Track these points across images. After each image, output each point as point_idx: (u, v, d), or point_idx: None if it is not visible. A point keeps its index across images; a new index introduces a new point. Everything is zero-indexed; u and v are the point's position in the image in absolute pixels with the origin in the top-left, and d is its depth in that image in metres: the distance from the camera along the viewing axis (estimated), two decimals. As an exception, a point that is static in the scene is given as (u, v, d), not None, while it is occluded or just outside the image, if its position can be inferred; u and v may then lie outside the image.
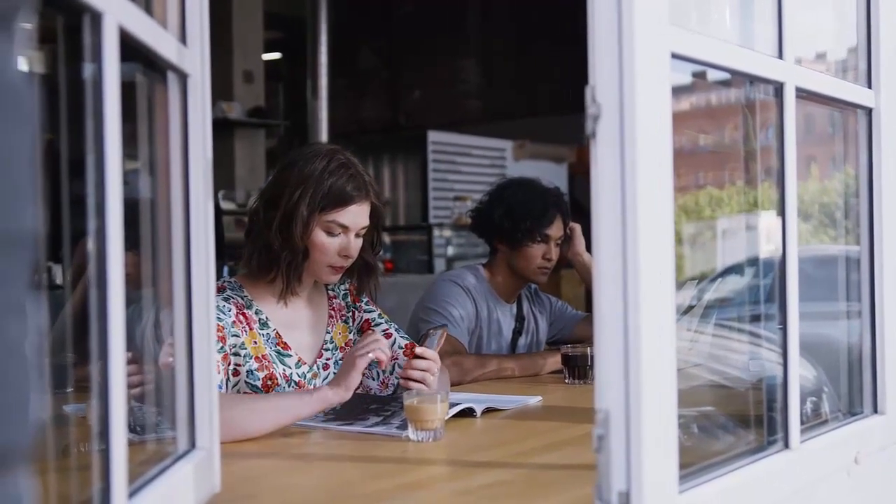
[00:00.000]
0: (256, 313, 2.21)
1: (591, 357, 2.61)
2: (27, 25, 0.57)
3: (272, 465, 1.74)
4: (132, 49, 1.11)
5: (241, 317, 2.16)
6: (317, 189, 2.14)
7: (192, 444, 1.36)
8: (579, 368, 2.61)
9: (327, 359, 2.31)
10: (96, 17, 0.99)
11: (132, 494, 1.09)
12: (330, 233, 2.18)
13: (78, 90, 1.02)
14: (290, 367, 2.21)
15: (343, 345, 2.35)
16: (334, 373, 2.28)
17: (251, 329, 2.17)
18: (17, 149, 0.52)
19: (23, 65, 0.55)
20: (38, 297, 0.58)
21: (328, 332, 2.33)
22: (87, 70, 1.01)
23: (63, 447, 1.24)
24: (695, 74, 1.44)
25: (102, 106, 0.99)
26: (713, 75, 1.53)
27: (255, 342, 2.17)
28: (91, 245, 1.01)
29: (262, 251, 2.18)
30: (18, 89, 0.53)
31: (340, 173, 2.17)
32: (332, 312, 2.36)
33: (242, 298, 2.20)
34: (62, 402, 1.48)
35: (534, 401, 2.31)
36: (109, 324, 1.00)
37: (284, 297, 2.24)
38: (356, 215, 2.19)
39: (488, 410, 2.15)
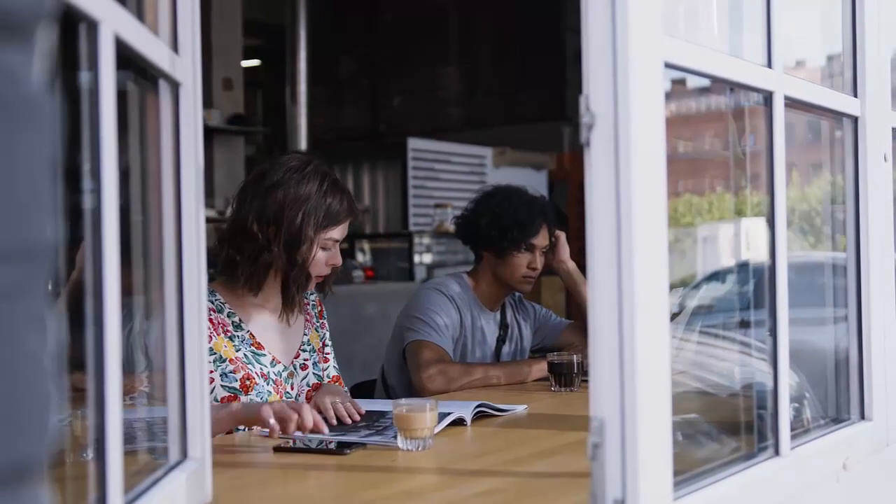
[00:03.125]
0: (229, 316, 2.25)
1: (577, 364, 2.61)
2: (46, 37, 0.56)
3: (264, 475, 1.74)
4: (124, 57, 1.10)
5: (208, 322, 2.18)
6: (318, 210, 2.22)
7: (185, 455, 1.35)
8: (565, 376, 2.61)
9: (305, 359, 2.37)
10: (93, 26, 0.98)
11: (127, 506, 1.08)
12: (325, 248, 2.26)
13: (72, 98, 1.01)
14: (265, 366, 2.25)
15: (317, 349, 2.42)
16: (314, 373, 2.37)
17: (219, 334, 2.21)
18: (39, 160, 0.52)
19: (42, 76, 0.54)
20: (55, 309, 0.58)
21: (305, 335, 2.39)
22: (83, 78, 1.00)
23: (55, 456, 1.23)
24: (674, 81, 1.44)
25: (99, 114, 0.99)
26: (692, 82, 1.53)
27: (227, 346, 2.20)
28: (86, 253, 1.00)
29: (261, 270, 2.23)
30: (38, 101, 0.53)
31: (335, 192, 2.26)
32: (308, 316, 2.43)
33: (213, 302, 2.23)
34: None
35: (520, 409, 2.31)
36: (105, 334, 0.99)
37: (289, 315, 2.30)
38: (345, 228, 2.30)
39: (479, 416, 2.15)
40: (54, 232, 0.56)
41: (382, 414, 2.16)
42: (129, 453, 1.33)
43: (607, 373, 1.16)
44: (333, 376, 2.43)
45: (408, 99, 10.12)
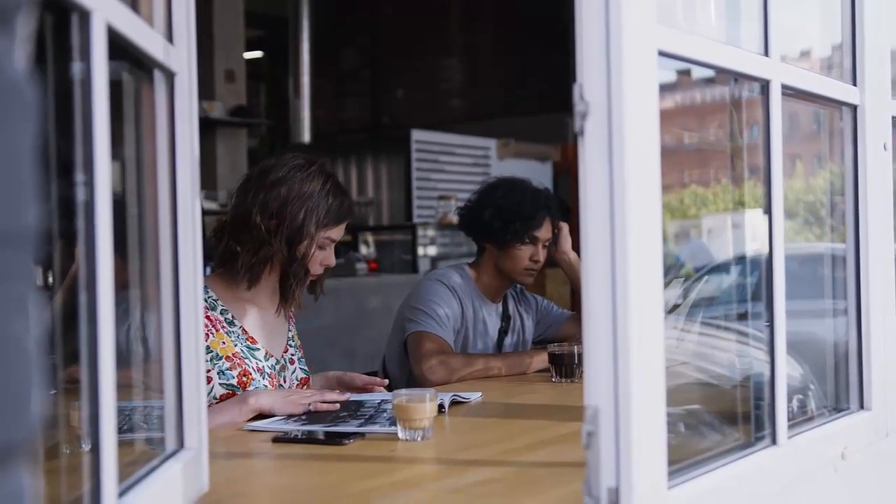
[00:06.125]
0: (222, 313, 2.26)
1: (578, 355, 2.61)
2: (27, 24, 0.56)
3: (260, 464, 1.74)
4: (118, 47, 1.10)
5: (205, 319, 2.18)
6: (319, 208, 2.24)
7: (181, 444, 1.35)
8: (566, 367, 2.61)
9: (292, 354, 2.41)
10: (84, 16, 0.98)
11: (121, 494, 1.08)
12: (321, 247, 2.28)
13: (65, 89, 1.01)
14: (260, 361, 2.27)
15: (298, 345, 2.46)
16: (300, 368, 2.41)
17: (217, 330, 2.22)
18: (21, 146, 0.52)
19: (23, 63, 0.54)
20: (40, 295, 0.58)
21: (290, 331, 2.43)
22: (75, 69, 1.00)
23: (49, 448, 1.23)
24: (679, 72, 1.44)
25: (91, 105, 0.99)
26: (697, 73, 1.53)
27: (224, 342, 2.22)
28: (79, 246, 1.00)
29: (261, 263, 2.24)
30: (20, 87, 0.53)
31: (337, 192, 2.29)
32: (291, 313, 2.45)
33: (206, 300, 2.24)
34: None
35: (474, 397, 2.32)
36: (99, 325, 0.99)
37: (286, 310, 2.33)
38: (342, 230, 2.33)
39: (454, 403, 2.20)
40: (37, 218, 0.56)
41: (361, 404, 2.17)
42: (126, 443, 1.34)
43: (601, 361, 1.16)
44: (302, 378, 2.43)
45: (410, 91, 10.12)
